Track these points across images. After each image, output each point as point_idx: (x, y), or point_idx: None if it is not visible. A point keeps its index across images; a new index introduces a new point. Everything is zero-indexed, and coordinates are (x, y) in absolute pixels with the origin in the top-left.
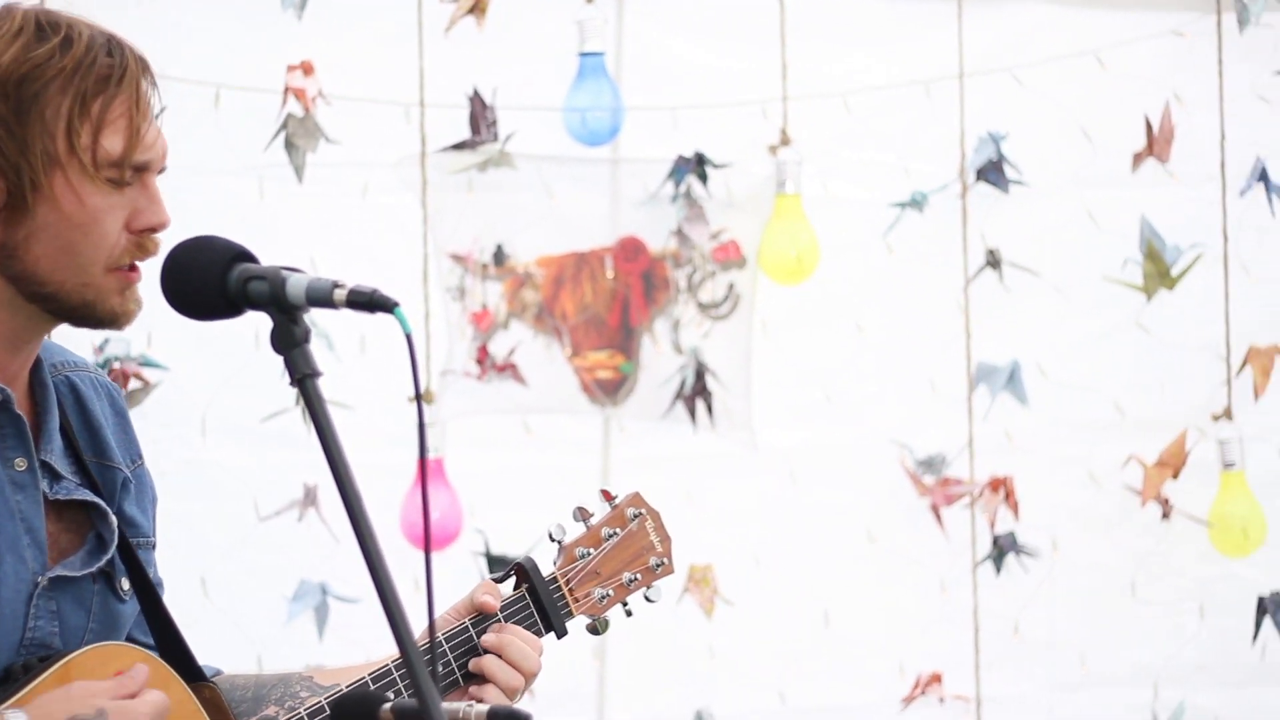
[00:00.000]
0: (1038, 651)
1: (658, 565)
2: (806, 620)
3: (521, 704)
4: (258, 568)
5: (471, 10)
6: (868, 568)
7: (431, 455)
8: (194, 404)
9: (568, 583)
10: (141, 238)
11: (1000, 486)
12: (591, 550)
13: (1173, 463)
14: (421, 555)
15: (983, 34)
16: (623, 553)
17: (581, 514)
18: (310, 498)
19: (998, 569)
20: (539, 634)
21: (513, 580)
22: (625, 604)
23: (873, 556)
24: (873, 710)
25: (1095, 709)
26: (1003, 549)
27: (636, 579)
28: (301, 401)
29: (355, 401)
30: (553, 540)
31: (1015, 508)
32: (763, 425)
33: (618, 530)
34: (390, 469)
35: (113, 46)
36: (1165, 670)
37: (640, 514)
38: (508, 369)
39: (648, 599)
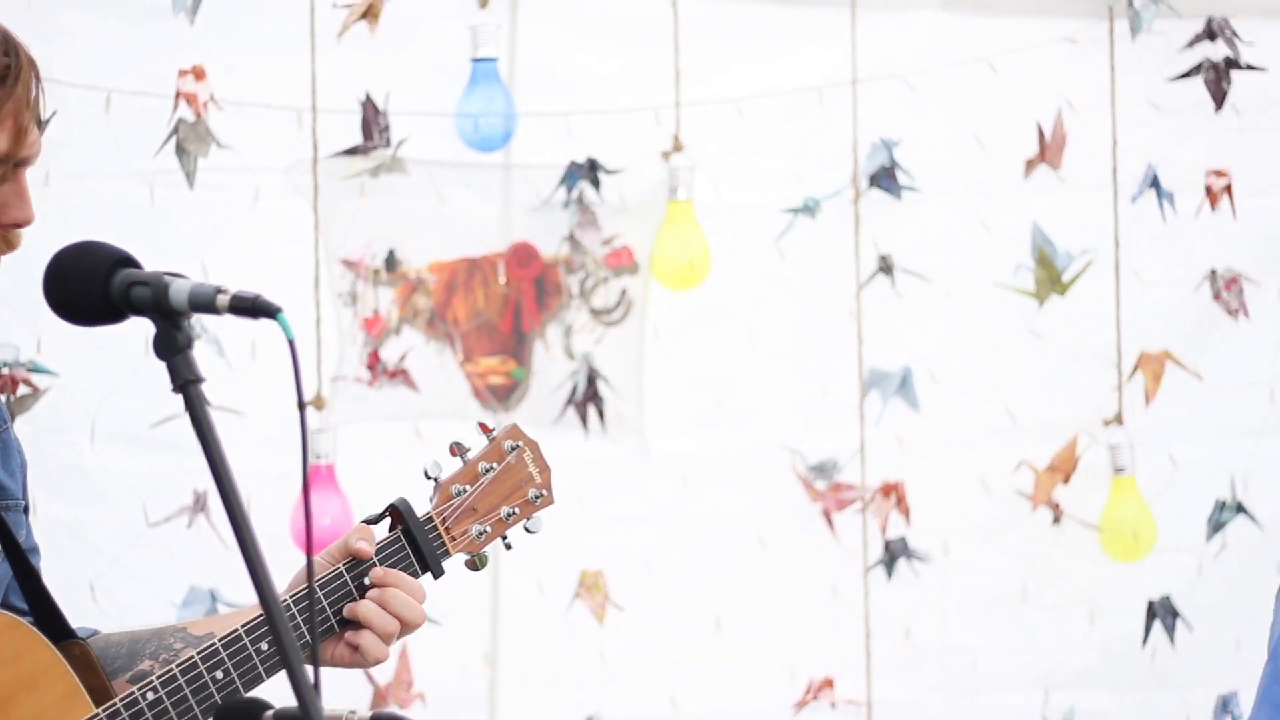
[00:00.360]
0: (929, 656)
1: (537, 497)
2: (698, 626)
3: (413, 710)
4: (147, 574)
5: (364, 15)
6: (759, 573)
7: (323, 461)
8: (83, 410)
9: (444, 521)
10: (7, 231)
11: (892, 492)
12: (468, 487)
13: (1064, 468)
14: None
15: (876, 41)
16: (500, 487)
17: (457, 449)
18: (200, 504)
19: (889, 574)
20: (415, 575)
21: (388, 522)
22: (505, 538)
23: (764, 562)
24: (764, 715)
25: (986, 713)
26: (894, 554)
27: (515, 512)
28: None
29: (246, 408)
30: (429, 478)
31: (907, 513)
32: (654, 431)
33: (495, 464)
34: (282, 475)
35: (9, 45)
36: (1056, 674)
37: (518, 446)
38: (399, 375)
39: (527, 530)
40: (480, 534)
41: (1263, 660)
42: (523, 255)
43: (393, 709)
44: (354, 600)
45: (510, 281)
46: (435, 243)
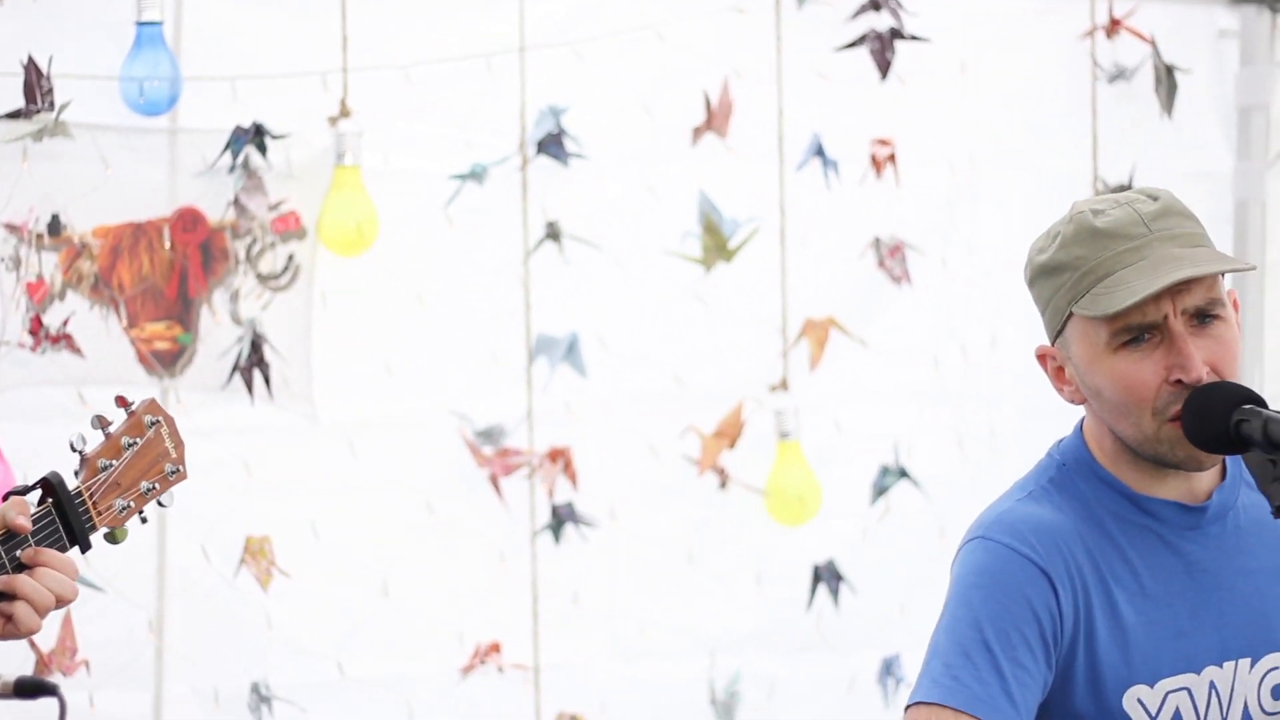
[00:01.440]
0: (597, 620)
1: (172, 472)
2: (365, 591)
3: (77, 678)
4: None
5: None
6: (427, 538)
7: None
8: None
9: (91, 496)
10: None
11: (559, 457)
12: (113, 462)
13: (730, 433)
14: None
15: (543, 8)
16: (141, 461)
17: (100, 422)
18: None
19: (557, 539)
20: (63, 549)
21: (38, 494)
22: (142, 513)
23: (432, 527)
24: (431, 680)
25: (654, 677)
26: (561, 519)
27: (154, 487)
28: None
29: None
30: (74, 450)
31: (574, 478)
32: (322, 397)
33: (137, 440)
34: None
35: None
36: (722, 638)
37: (157, 421)
38: (62, 340)
39: (160, 504)
40: (123, 509)
41: (929, 622)
42: (188, 220)
43: (55, 677)
44: (6, 574)
45: (176, 247)
46: (100, 207)
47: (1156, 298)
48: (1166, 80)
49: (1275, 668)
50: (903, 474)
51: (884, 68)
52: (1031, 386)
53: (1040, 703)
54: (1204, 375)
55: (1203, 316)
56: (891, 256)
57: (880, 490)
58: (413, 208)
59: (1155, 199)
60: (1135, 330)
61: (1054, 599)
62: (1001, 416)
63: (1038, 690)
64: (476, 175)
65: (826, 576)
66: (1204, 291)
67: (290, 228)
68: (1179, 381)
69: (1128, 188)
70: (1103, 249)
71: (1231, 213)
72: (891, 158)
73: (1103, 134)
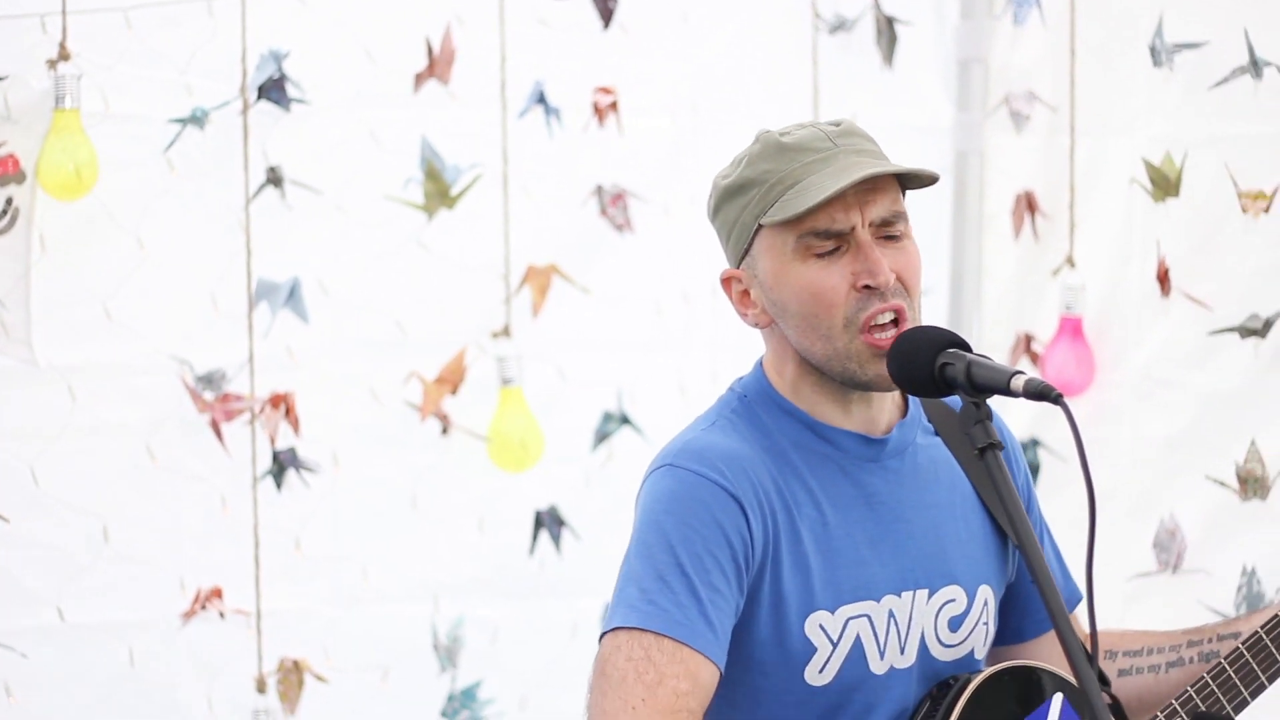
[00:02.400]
0: (319, 566)
1: None
2: (85, 537)
3: None
4: None
5: None
6: (148, 484)
7: None
8: None
9: None
10: None
11: (281, 403)
12: None
13: (452, 379)
14: None
15: None
16: None
17: None
18: None
19: (279, 485)
20: None
21: None
22: None
23: (153, 472)
24: (152, 626)
25: (376, 622)
26: (284, 464)
27: None
28: None
29: None
30: None
31: (296, 424)
32: (41, 341)
33: None
34: None
35: None
36: (446, 584)
37: None
38: None
39: None
40: None
41: None
42: None
43: None
44: None
45: None
46: None
47: (845, 206)
48: (887, 31)
49: (952, 600)
50: (625, 420)
51: (606, 16)
52: (753, 333)
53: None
54: (890, 280)
55: (888, 227)
56: (614, 204)
57: (603, 436)
58: (133, 152)
59: (838, 123)
60: (823, 236)
61: (744, 523)
62: (723, 362)
63: (731, 613)
64: (197, 120)
65: (549, 522)
66: (889, 204)
67: (8, 171)
68: (867, 287)
69: None
70: (790, 161)
71: (951, 164)
72: (614, 106)
73: (823, 84)
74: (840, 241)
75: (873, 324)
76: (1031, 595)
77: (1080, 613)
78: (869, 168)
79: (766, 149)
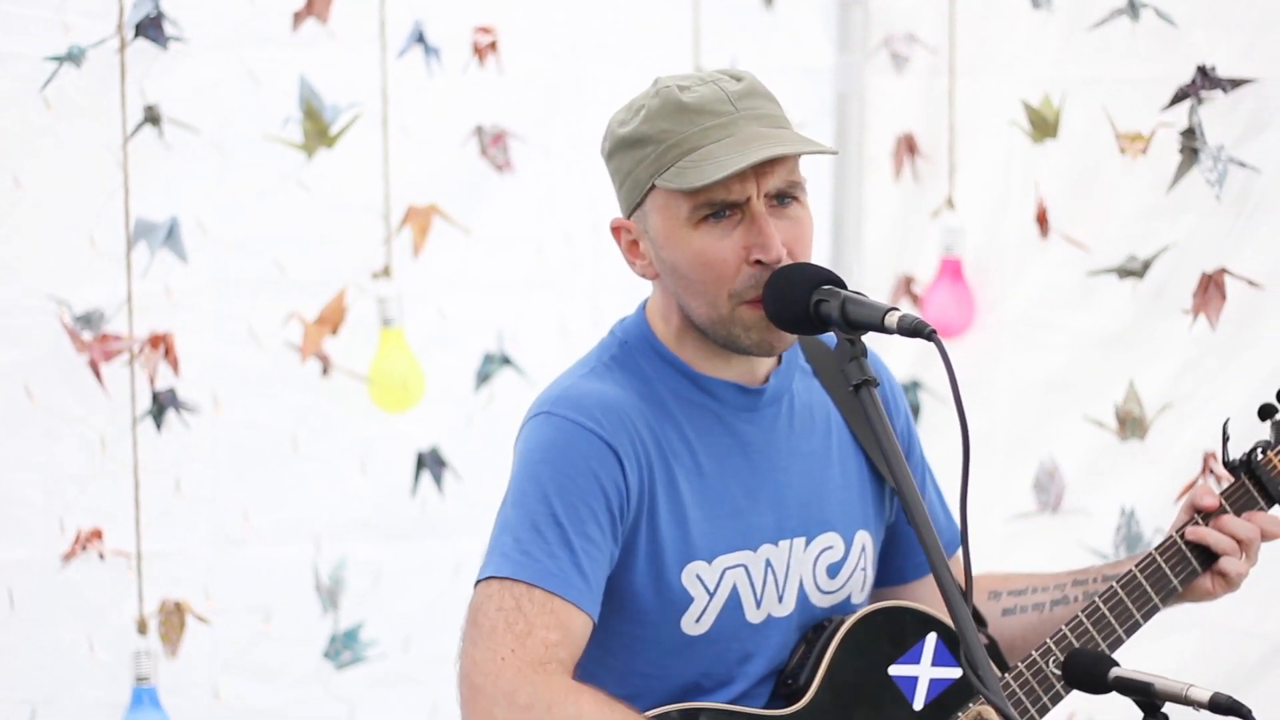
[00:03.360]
0: (200, 507)
1: None
2: None
3: None
4: None
5: None
6: (26, 424)
7: None
8: None
9: None
10: None
11: (160, 343)
12: None
13: (332, 320)
14: None
15: None
16: None
17: None
18: None
19: (158, 425)
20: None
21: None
22: None
23: (31, 413)
24: (32, 567)
25: (258, 564)
26: (163, 405)
27: None
28: None
29: None
30: None
31: (176, 364)
32: None
33: None
34: None
35: None
36: (328, 525)
37: None
38: None
39: None
40: None
41: None
42: None
43: None
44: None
45: None
46: None
47: (742, 177)
48: None
49: (830, 547)
50: (506, 361)
51: None
52: (635, 274)
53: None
54: (782, 256)
55: (783, 198)
56: (494, 145)
57: (484, 377)
58: (8, 90)
59: (739, 80)
60: (718, 206)
61: (620, 473)
62: (605, 304)
63: (605, 564)
64: (74, 58)
65: (431, 463)
66: (785, 174)
67: None
68: (758, 262)
69: None
70: (690, 124)
71: (832, 106)
72: (494, 46)
73: (704, 26)
74: (735, 210)
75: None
76: (912, 537)
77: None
78: (768, 144)
79: (665, 106)
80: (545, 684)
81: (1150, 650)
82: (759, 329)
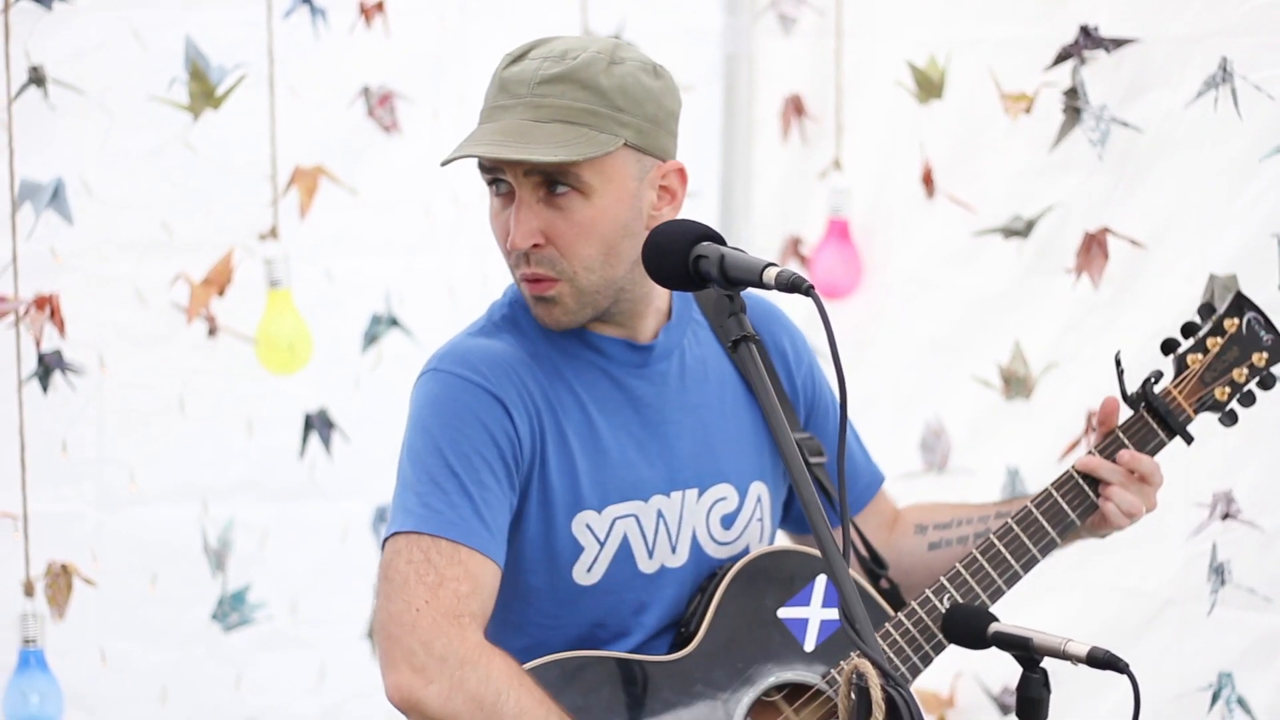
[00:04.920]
0: (86, 469)
1: None
2: None
3: None
4: None
5: None
6: None
7: None
8: None
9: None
10: None
11: (46, 304)
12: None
13: (219, 281)
14: None
15: None
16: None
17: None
18: None
19: (44, 387)
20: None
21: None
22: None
23: None
24: None
25: (145, 525)
26: (49, 367)
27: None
28: None
29: None
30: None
31: (62, 326)
32: None
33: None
34: None
35: None
36: (215, 486)
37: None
38: None
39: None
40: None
41: None
42: None
43: None
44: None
45: None
46: None
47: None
48: None
49: (723, 498)
50: (394, 323)
51: None
52: None
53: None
54: (520, 245)
55: (555, 185)
56: (381, 105)
57: (372, 339)
58: None
59: (572, 59)
60: (490, 179)
61: (509, 422)
62: (492, 264)
63: (505, 511)
64: None
65: (318, 425)
66: (544, 166)
67: None
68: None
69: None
70: (490, 98)
71: (720, 68)
72: (380, 6)
73: None
74: (509, 187)
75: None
76: (845, 473)
77: (885, 490)
78: (501, 144)
79: (494, 72)
80: (460, 638)
81: (1033, 611)
82: (534, 305)
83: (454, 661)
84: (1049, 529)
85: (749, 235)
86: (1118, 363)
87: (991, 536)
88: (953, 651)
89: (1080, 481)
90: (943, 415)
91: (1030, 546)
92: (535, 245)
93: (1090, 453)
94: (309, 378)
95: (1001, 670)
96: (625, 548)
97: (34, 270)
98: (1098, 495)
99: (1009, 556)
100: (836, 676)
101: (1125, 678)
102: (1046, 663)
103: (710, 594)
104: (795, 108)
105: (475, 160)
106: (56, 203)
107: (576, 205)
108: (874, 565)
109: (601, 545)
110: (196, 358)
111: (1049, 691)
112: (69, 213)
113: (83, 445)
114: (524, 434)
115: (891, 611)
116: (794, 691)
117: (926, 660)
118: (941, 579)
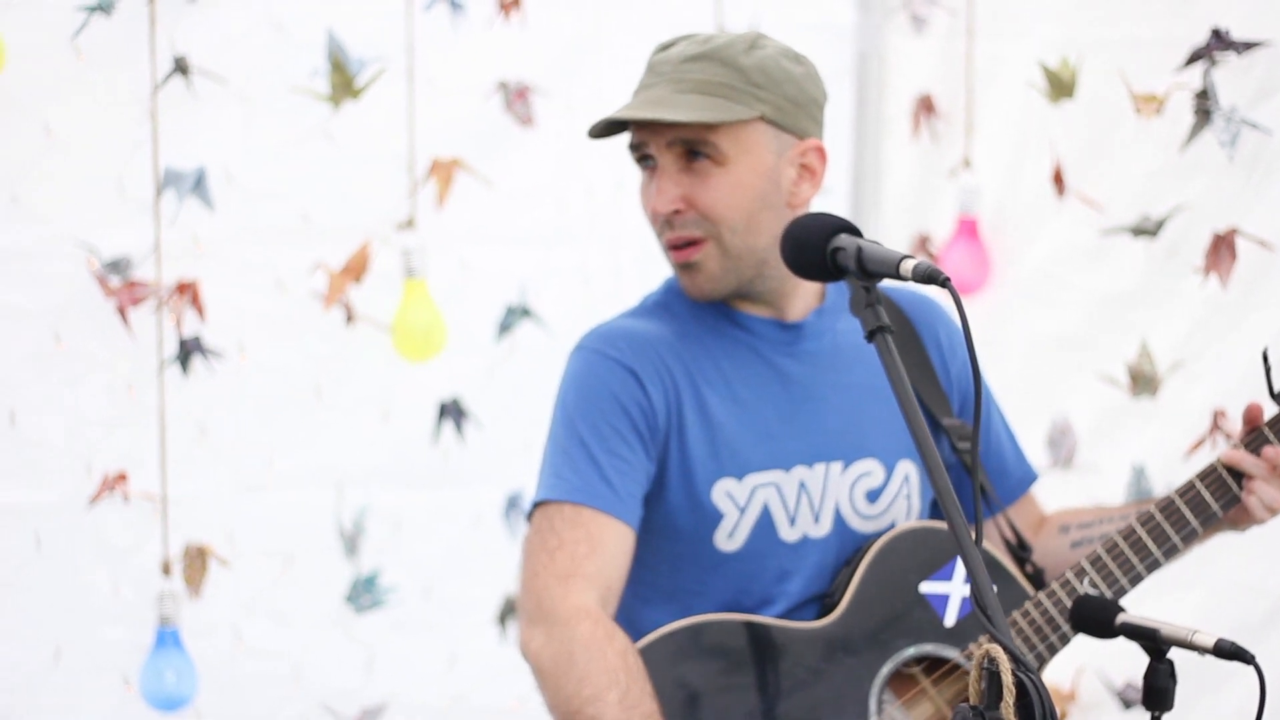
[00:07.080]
0: (224, 452)
1: None
2: None
3: None
4: None
5: None
6: (54, 368)
7: None
8: None
9: None
10: None
11: (187, 290)
12: None
13: (356, 269)
14: None
15: None
16: None
17: None
18: None
19: (185, 371)
20: None
21: None
22: None
23: (59, 358)
24: (59, 509)
25: (280, 509)
26: (189, 351)
27: None
28: None
29: None
30: None
31: (202, 311)
32: None
33: None
34: None
35: None
36: (349, 472)
37: None
38: None
39: None
40: None
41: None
42: None
43: None
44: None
45: None
46: None
47: (640, 128)
48: None
49: (868, 473)
50: (526, 313)
51: None
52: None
53: (646, 493)
54: (663, 209)
55: (694, 153)
56: (518, 99)
57: (505, 328)
58: (39, 40)
59: (713, 43)
60: (636, 153)
61: (641, 393)
62: (625, 256)
63: (640, 477)
64: (104, 7)
65: (452, 412)
66: (683, 130)
67: None
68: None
69: None
70: (639, 83)
71: (852, 65)
72: (517, 2)
73: None
74: (653, 160)
75: (669, 246)
76: (994, 467)
77: (1035, 492)
78: (644, 108)
79: (650, 56)
80: (562, 598)
81: (1154, 607)
82: (680, 275)
83: (552, 619)
84: (1190, 519)
85: (878, 232)
86: (1265, 359)
87: (1133, 522)
88: (1076, 645)
89: (1224, 474)
90: (1069, 412)
91: (1171, 534)
92: (676, 211)
93: (1235, 446)
94: (443, 366)
95: (1125, 665)
96: (766, 516)
97: (176, 256)
98: (1241, 489)
99: (1150, 543)
100: (974, 652)
101: (1251, 671)
102: (1173, 654)
103: (855, 566)
104: (925, 106)
105: (612, 150)
106: (199, 190)
107: (713, 172)
108: (1019, 550)
109: (742, 512)
110: (333, 345)
111: (1175, 682)
112: (210, 200)
113: (221, 429)
114: (658, 403)
115: (1033, 592)
116: (932, 664)
117: (1052, 649)
118: (1082, 561)
